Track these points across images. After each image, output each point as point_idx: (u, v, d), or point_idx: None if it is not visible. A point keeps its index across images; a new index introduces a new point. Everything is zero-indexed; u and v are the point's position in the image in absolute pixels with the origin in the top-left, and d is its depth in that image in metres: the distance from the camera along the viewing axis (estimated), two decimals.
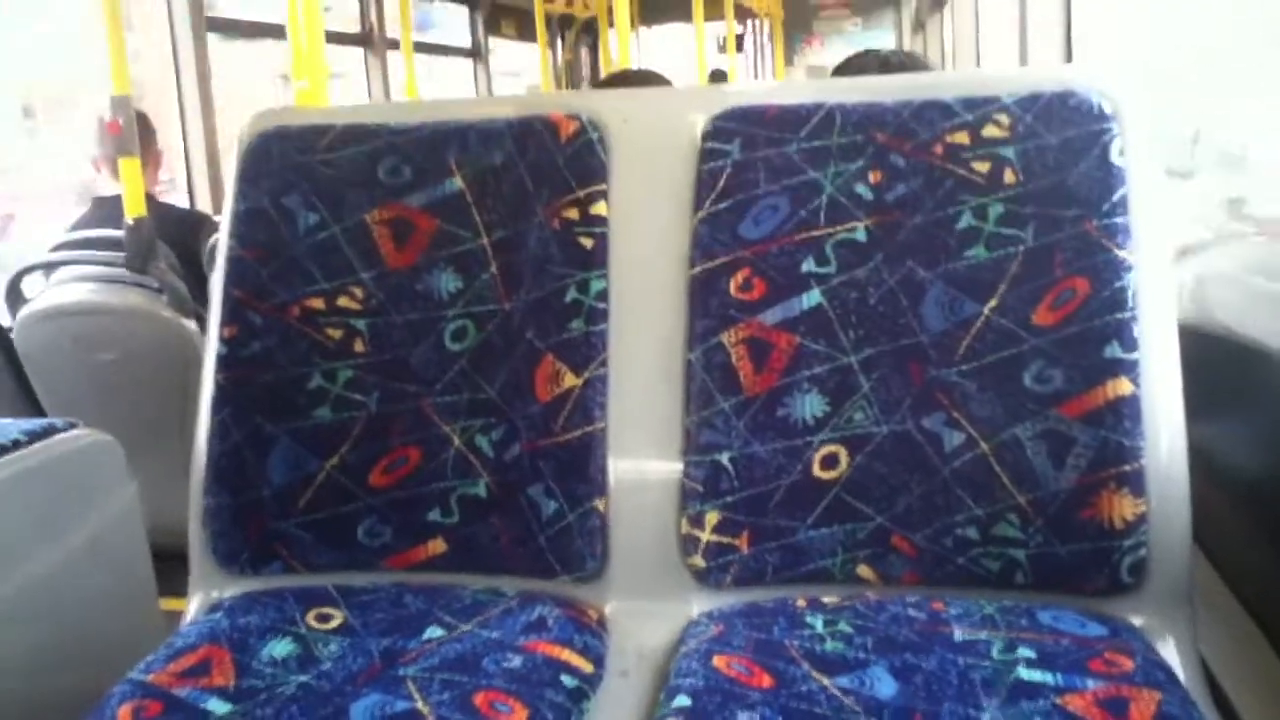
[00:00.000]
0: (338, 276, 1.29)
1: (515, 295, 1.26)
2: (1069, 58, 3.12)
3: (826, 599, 1.14)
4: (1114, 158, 1.15)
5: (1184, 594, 1.11)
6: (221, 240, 1.33)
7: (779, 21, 8.18)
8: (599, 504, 1.21)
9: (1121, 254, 1.13)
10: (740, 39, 8.59)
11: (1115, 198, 1.14)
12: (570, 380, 1.23)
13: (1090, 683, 0.96)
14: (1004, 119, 1.17)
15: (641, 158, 1.28)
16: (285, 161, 1.32)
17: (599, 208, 1.26)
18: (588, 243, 1.25)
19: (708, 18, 5.20)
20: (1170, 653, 1.07)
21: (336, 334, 1.28)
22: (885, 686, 0.98)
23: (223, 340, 1.29)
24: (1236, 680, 1.09)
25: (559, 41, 7.60)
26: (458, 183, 1.29)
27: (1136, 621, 1.10)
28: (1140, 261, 1.13)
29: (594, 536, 1.21)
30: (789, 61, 8.82)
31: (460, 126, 1.30)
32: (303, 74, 1.99)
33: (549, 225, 1.26)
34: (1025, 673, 0.98)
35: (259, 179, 1.32)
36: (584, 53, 8.25)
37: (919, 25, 7.89)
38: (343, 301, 1.28)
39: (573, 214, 1.26)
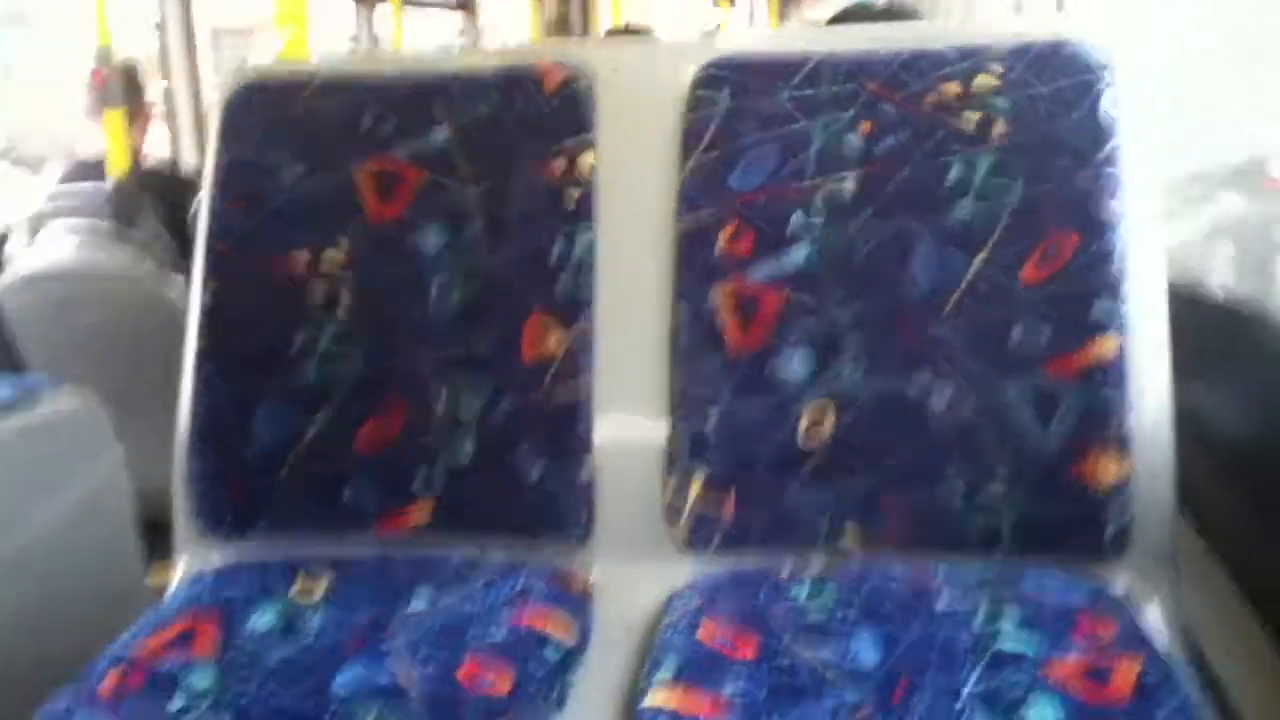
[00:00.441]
0: (322, 232, 1.27)
1: (502, 250, 1.24)
2: (1060, 5, 3.08)
3: (812, 566, 1.14)
4: (1105, 108, 1.13)
5: (1167, 559, 1.11)
6: (204, 195, 1.31)
7: None
8: (585, 466, 1.20)
9: (1111, 206, 1.12)
10: None
11: (1106, 149, 1.13)
12: (557, 338, 1.22)
13: (1072, 651, 0.97)
14: (996, 69, 1.16)
15: (629, 108, 1.27)
16: (267, 115, 1.30)
17: (586, 160, 1.24)
18: (574, 196, 1.23)
19: None
20: (1153, 618, 1.07)
21: (321, 291, 1.26)
22: (869, 656, 0.98)
23: (205, 298, 1.28)
24: (1218, 646, 1.09)
25: None
26: (443, 135, 1.26)
27: (1120, 586, 1.10)
28: (1130, 214, 1.12)
29: (580, 499, 1.21)
30: (784, 17, 8.69)
31: (445, 78, 1.28)
32: (286, 24, 1.95)
33: (536, 178, 1.24)
34: (1008, 641, 0.98)
35: (241, 133, 1.30)
36: (575, 6, 8.12)
37: None
38: (327, 257, 1.26)
39: (560, 167, 1.24)
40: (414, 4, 5.82)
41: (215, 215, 1.29)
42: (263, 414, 1.26)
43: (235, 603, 1.12)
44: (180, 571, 1.28)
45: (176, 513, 1.29)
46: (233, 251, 1.28)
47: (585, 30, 8.00)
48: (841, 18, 2.01)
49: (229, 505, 1.27)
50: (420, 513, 1.24)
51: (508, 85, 1.27)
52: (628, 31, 2.72)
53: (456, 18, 6.34)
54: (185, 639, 1.06)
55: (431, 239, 1.26)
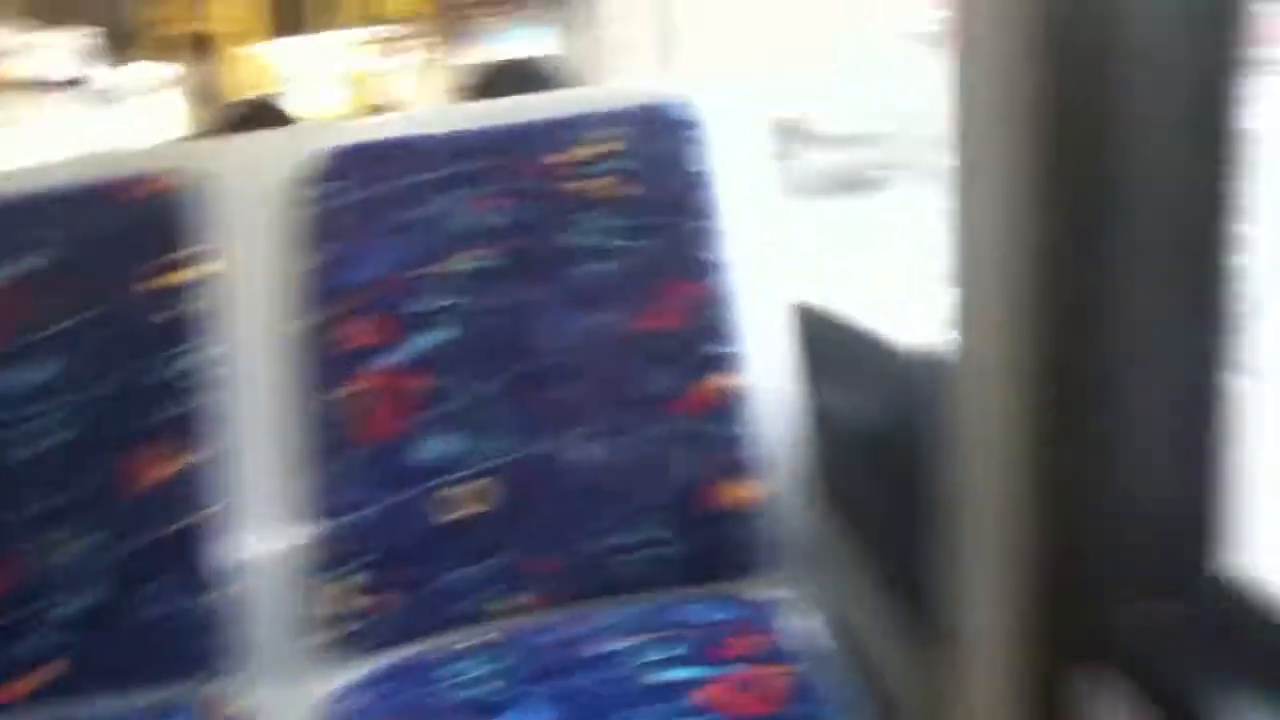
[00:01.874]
0: None
1: (110, 379, 1.13)
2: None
3: (476, 641, 1.11)
4: (702, 164, 1.19)
5: (811, 565, 1.17)
6: None
7: (433, 27, 8.07)
8: (224, 595, 1.11)
9: (718, 254, 1.17)
10: (387, 46, 8.40)
11: (706, 201, 1.18)
12: (178, 464, 1.12)
13: (727, 670, 1.00)
14: (602, 135, 1.20)
15: (241, 209, 1.19)
16: None
17: (199, 270, 1.15)
18: (188, 310, 1.14)
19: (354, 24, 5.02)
20: (805, 624, 1.12)
21: None
22: (542, 718, 0.96)
23: None
24: (869, 634, 1.16)
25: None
26: (37, 259, 1.13)
27: (773, 599, 1.15)
28: (739, 258, 1.18)
29: (222, 627, 1.11)
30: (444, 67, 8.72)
31: (37, 195, 1.16)
32: None
33: (144, 297, 1.14)
34: (665, 674, 1.00)
35: None
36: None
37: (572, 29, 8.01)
38: None
39: (170, 281, 1.14)
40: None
41: None
42: None
43: None
44: None
45: None
46: None
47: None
48: (495, 76, 2.04)
49: None
50: (48, 674, 1.09)
51: (106, 198, 1.16)
52: (255, 106, 2.50)
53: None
54: None
55: (35, 374, 1.12)
